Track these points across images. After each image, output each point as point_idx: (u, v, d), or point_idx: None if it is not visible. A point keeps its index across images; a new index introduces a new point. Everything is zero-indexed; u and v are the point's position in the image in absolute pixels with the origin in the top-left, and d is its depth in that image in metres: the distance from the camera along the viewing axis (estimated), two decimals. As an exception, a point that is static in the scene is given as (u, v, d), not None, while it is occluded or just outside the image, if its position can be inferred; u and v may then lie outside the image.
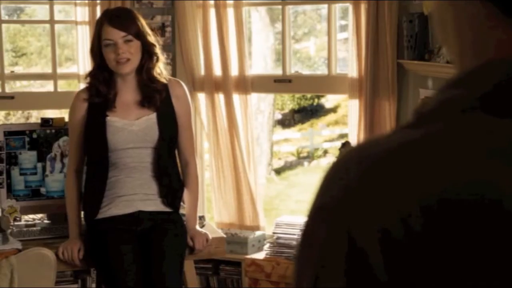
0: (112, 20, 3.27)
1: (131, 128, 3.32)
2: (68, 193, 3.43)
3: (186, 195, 3.48)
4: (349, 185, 0.60)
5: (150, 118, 3.34)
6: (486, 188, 0.56)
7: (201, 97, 4.78)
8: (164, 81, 3.38)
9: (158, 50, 3.36)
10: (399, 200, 0.57)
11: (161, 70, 3.39)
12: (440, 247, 0.56)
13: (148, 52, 3.32)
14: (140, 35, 3.29)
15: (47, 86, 6.19)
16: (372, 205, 0.58)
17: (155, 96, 3.34)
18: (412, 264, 0.56)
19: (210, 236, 3.52)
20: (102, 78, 3.32)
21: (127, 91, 3.36)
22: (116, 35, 3.25)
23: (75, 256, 3.35)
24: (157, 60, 3.36)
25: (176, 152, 3.46)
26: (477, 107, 0.61)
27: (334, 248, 0.59)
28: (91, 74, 3.36)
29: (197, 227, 3.51)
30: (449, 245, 0.56)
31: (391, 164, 0.59)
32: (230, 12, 4.64)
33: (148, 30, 3.35)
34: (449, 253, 0.56)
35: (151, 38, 3.34)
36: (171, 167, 3.42)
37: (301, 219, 4.50)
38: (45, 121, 3.72)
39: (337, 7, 4.68)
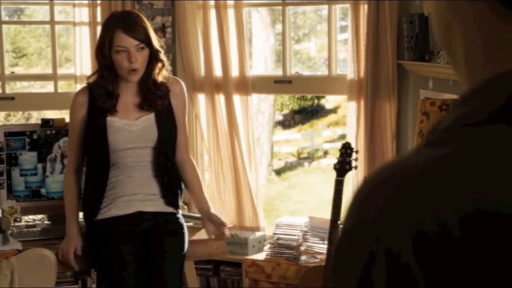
0: (126, 27, 3.24)
1: (131, 128, 3.32)
2: (67, 192, 3.43)
3: (189, 181, 3.46)
4: (385, 198, 0.61)
5: (148, 118, 3.34)
6: None
7: (201, 97, 4.78)
8: (166, 83, 3.38)
9: (163, 55, 3.36)
10: (435, 210, 0.58)
11: (165, 74, 3.39)
12: (477, 255, 0.57)
13: (155, 58, 3.32)
14: (150, 43, 3.29)
15: (48, 87, 6.19)
16: (409, 214, 0.59)
17: (156, 101, 3.34)
18: (449, 268, 0.57)
19: (228, 222, 3.52)
20: (111, 79, 3.31)
21: (128, 93, 3.36)
22: (129, 43, 3.24)
23: (70, 258, 3.33)
24: (163, 66, 3.36)
25: None
26: (497, 118, 0.61)
27: (373, 261, 0.59)
28: (98, 74, 3.34)
29: (212, 210, 3.50)
30: (487, 254, 0.57)
31: (424, 178, 0.60)
32: (231, 13, 4.64)
33: (154, 35, 3.35)
34: (487, 262, 0.56)
35: (157, 43, 3.33)
36: (171, 167, 3.42)
37: (301, 219, 4.49)
38: (46, 122, 3.71)
39: (338, 7, 4.68)
